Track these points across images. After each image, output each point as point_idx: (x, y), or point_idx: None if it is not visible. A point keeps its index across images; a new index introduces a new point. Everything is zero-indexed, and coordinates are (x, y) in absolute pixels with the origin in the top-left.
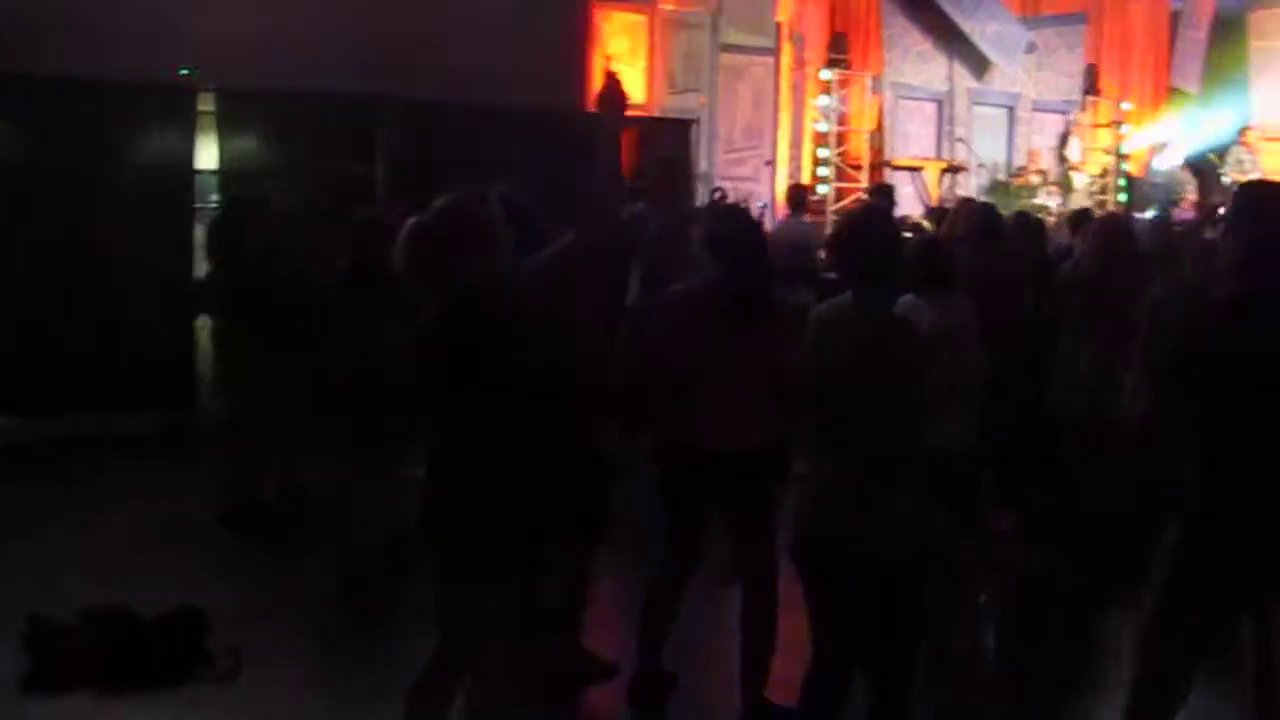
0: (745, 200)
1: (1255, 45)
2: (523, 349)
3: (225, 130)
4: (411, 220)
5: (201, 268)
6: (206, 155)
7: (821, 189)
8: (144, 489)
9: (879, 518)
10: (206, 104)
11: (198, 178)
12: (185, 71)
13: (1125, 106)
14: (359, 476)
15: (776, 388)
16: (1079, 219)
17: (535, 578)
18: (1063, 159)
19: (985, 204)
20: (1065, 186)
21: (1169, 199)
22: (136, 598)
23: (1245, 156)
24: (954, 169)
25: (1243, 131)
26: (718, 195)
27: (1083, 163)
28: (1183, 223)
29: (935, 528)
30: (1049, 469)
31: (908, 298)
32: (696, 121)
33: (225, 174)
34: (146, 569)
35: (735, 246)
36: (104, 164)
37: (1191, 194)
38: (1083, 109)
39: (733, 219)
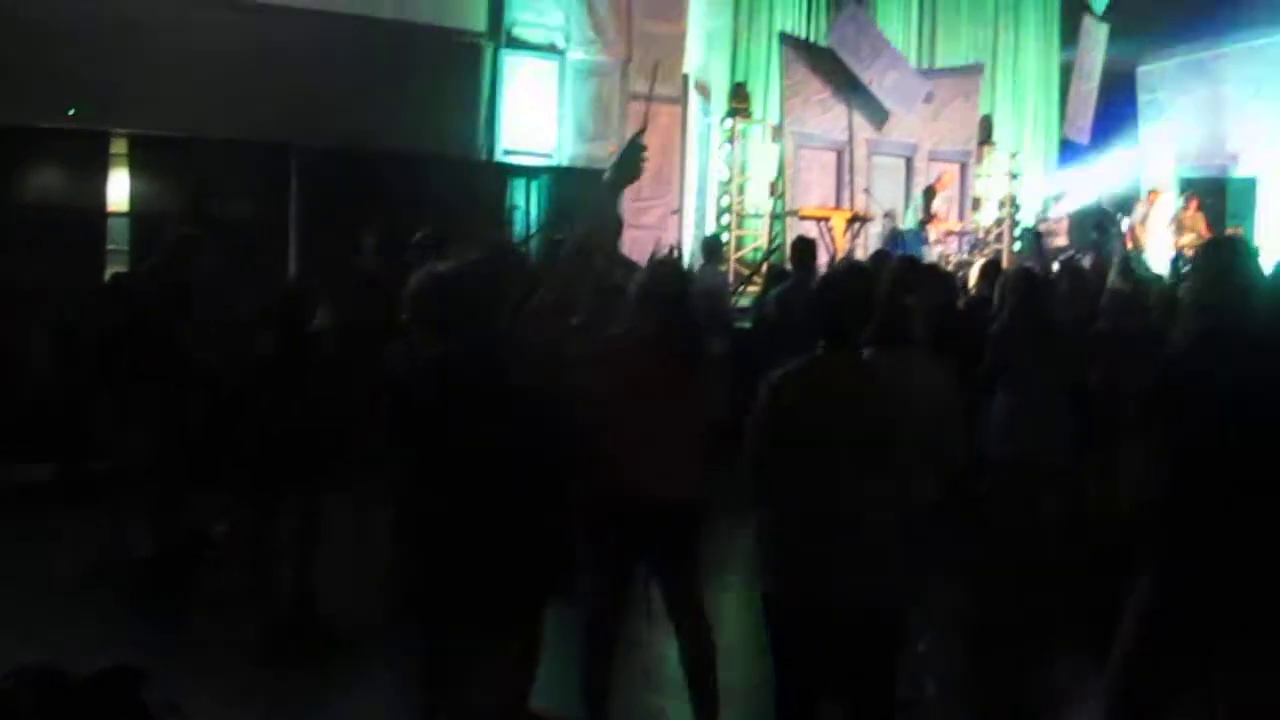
0: (659, 249)
1: (1143, 99)
2: (505, 409)
3: (137, 174)
4: (426, 272)
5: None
6: (117, 199)
7: (724, 237)
8: (43, 538)
9: (852, 566)
10: (120, 148)
11: (109, 221)
12: (72, 111)
13: (1018, 156)
14: (260, 523)
15: (705, 436)
16: (989, 270)
17: (499, 633)
18: (928, 211)
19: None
20: (916, 240)
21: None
22: (55, 654)
23: (1143, 210)
24: (860, 219)
25: (1151, 194)
26: (666, 251)
27: (943, 217)
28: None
29: (908, 576)
30: (987, 517)
31: (869, 352)
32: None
33: (136, 218)
34: (61, 622)
35: (670, 299)
36: (12, 207)
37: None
38: (978, 159)
39: (667, 272)
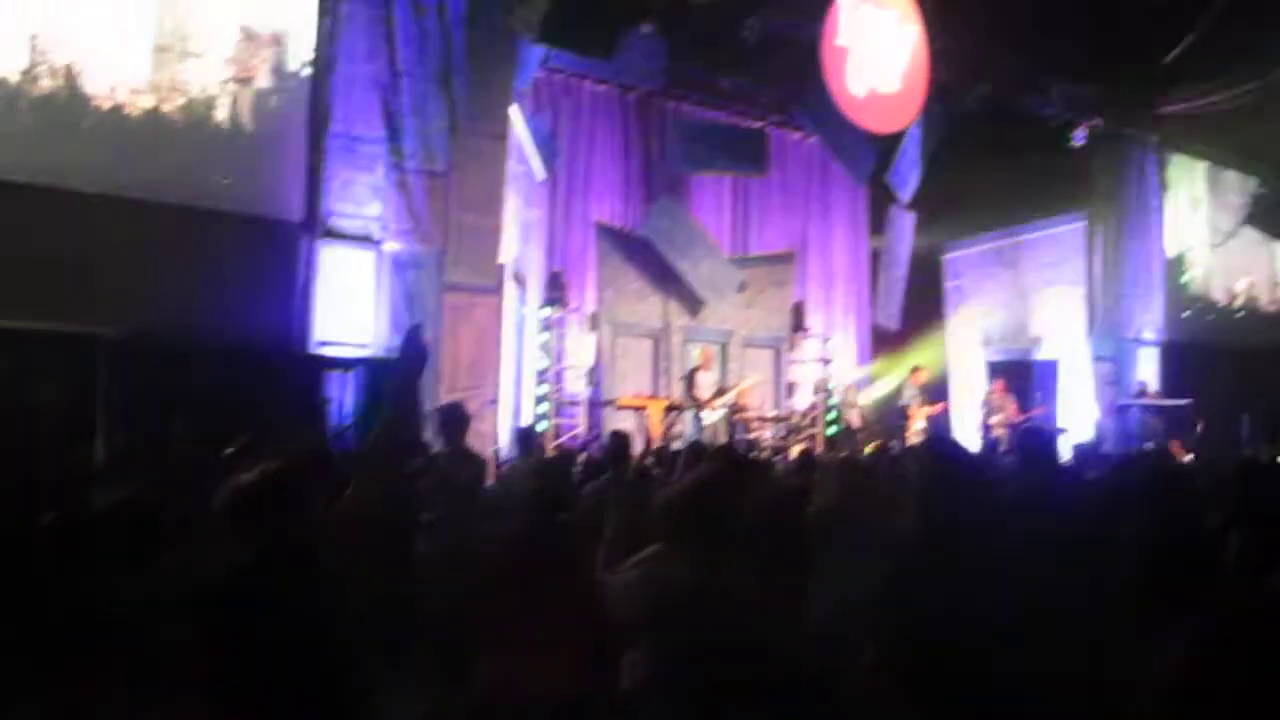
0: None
1: (950, 285)
2: (318, 618)
3: None
4: (231, 486)
5: None
6: None
7: (542, 426)
8: None
9: None
10: None
11: None
12: None
13: (830, 342)
14: None
15: (580, 634)
16: (804, 460)
17: None
18: (691, 396)
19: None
20: (696, 419)
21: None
22: None
23: (911, 391)
24: (677, 407)
25: (914, 370)
26: (491, 453)
27: (710, 400)
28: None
29: None
30: None
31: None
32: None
33: None
34: None
35: (545, 497)
36: None
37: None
38: (791, 345)
39: (556, 478)
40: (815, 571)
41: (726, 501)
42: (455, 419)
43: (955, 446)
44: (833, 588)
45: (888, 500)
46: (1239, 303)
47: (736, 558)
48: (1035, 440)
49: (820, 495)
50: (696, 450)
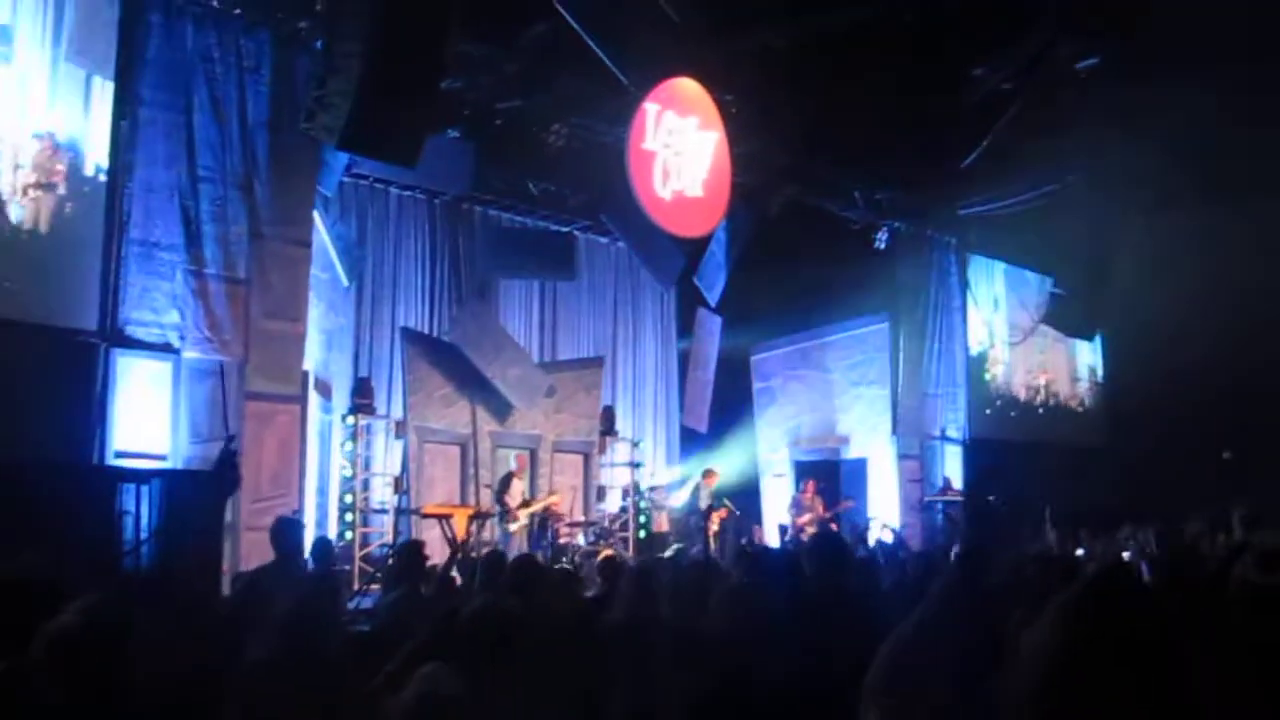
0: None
1: (757, 386)
2: None
3: None
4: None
5: None
6: None
7: (349, 535)
8: None
9: None
10: None
11: None
12: None
13: (640, 445)
14: None
15: None
16: (609, 566)
17: None
18: (502, 503)
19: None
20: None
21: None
22: None
23: (704, 493)
24: (483, 515)
25: (706, 474)
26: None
27: (517, 509)
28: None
29: None
30: None
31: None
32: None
33: None
34: None
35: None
36: None
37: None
38: (601, 449)
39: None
40: (611, 681)
41: (508, 618)
42: (283, 534)
43: (765, 550)
44: (629, 696)
45: (692, 604)
46: (1040, 399)
47: (521, 673)
48: (825, 545)
49: (619, 603)
50: (493, 561)
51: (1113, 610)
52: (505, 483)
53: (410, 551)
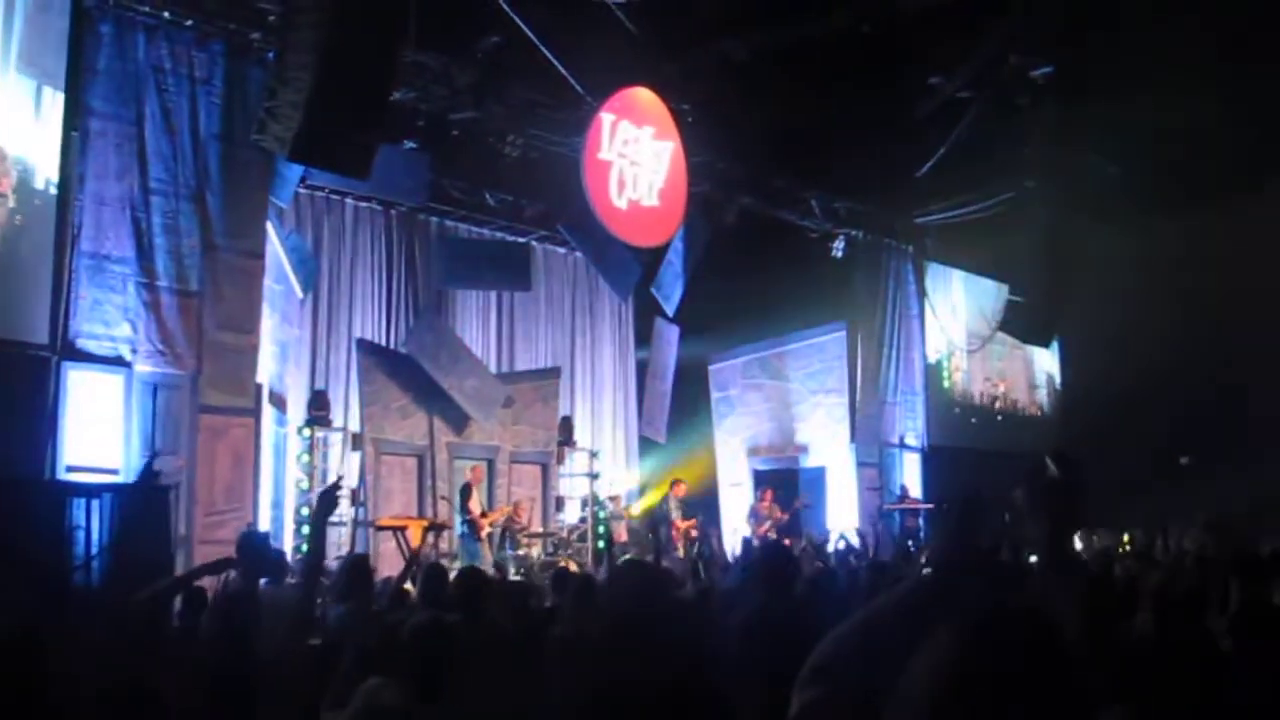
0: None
1: (716, 396)
2: None
3: None
4: None
5: None
6: None
7: (304, 548)
8: None
9: None
10: None
11: None
12: None
13: (599, 455)
14: None
15: None
16: (561, 579)
17: None
18: (465, 510)
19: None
20: (472, 541)
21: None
22: None
23: (674, 502)
24: (437, 526)
25: (675, 484)
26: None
27: (487, 516)
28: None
29: None
30: None
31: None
32: (175, 487)
33: None
34: None
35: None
36: None
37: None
38: (559, 460)
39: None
40: (554, 694)
41: (448, 633)
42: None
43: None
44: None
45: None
46: (998, 406)
47: (462, 687)
48: (770, 559)
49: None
50: (434, 574)
51: (998, 646)
52: (465, 493)
53: (355, 565)
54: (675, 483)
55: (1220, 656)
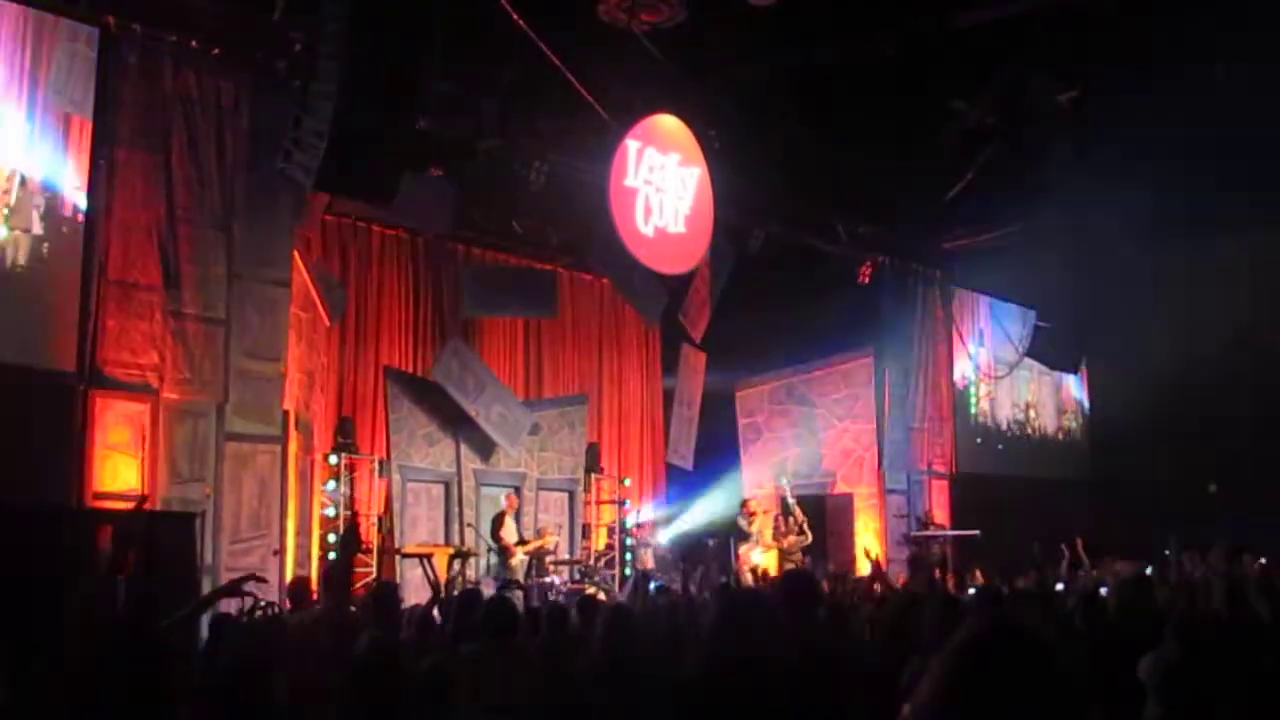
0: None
1: (743, 422)
2: None
3: None
4: None
5: None
6: None
7: None
8: None
9: None
10: None
11: None
12: None
13: (626, 483)
14: None
15: None
16: (585, 605)
17: None
18: (498, 540)
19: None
20: (503, 564)
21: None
22: None
23: (743, 522)
24: (463, 554)
25: (745, 503)
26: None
27: (519, 543)
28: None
29: None
30: None
31: None
32: (201, 514)
33: None
34: None
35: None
36: None
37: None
38: (586, 487)
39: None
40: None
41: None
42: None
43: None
44: None
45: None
46: (1027, 433)
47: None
48: (797, 584)
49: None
50: (469, 600)
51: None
52: (498, 521)
53: (383, 593)
54: (744, 504)
55: None
